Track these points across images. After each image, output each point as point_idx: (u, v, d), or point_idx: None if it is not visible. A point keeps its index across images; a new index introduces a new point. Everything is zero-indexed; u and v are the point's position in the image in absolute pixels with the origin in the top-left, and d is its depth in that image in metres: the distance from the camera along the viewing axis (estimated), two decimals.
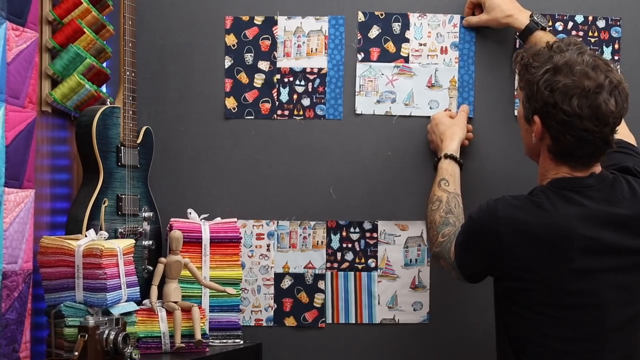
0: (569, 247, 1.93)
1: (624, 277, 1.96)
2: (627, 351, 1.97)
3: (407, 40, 2.51)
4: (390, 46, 2.51)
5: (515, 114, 2.43)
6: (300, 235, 2.51)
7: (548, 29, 2.36)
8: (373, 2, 2.51)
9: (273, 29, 2.52)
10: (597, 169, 2.01)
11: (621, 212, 1.98)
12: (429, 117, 2.49)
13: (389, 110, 2.50)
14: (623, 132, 2.17)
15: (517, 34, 2.39)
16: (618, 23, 2.49)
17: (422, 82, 2.50)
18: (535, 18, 2.36)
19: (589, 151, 1.97)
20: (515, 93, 2.38)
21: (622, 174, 2.05)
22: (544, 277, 1.94)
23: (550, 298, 1.94)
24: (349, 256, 2.50)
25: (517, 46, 2.48)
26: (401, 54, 2.51)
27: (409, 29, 2.51)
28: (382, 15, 2.50)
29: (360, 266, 2.50)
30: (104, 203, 2.20)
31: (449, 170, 2.31)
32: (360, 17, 2.51)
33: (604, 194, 1.98)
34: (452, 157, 2.33)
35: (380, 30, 2.51)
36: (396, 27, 2.51)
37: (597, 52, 2.01)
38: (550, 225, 1.94)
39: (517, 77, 2.07)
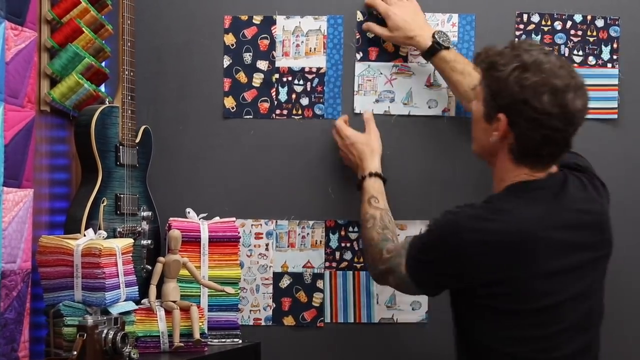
0: (533, 250, 1.95)
1: (583, 273, 1.99)
2: (583, 346, 1.99)
3: None
4: (389, 45, 2.51)
5: None
6: (299, 234, 2.51)
7: (452, 47, 2.37)
8: None
9: (272, 29, 2.52)
10: (553, 169, 2.03)
11: (579, 208, 2.01)
12: (428, 116, 2.49)
13: (388, 109, 2.50)
14: None
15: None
16: (617, 22, 2.49)
17: (421, 81, 2.50)
18: (437, 38, 2.35)
19: (551, 151, 1.98)
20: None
21: (570, 170, 2.08)
22: (512, 282, 1.96)
23: (519, 302, 1.96)
24: (348, 255, 2.50)
25: None
26: (400, 53, 2.51)
27: None
28: (379, 15, 2.50)
29: (359, 265, 2.50)
30: (102, 202, 2.20)
31: (376, 188, 2.32)
32: (359, 16, 2.51)
33: (561, 193, 2.01)
34: (376, 175, 2.34)
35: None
36: None
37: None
38: (512, 230, 1.95)
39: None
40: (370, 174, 2.34)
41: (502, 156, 2.01)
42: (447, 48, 2.35)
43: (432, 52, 2.36)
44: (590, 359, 2.02)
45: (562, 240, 1.96)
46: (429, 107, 2.49)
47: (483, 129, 2.03)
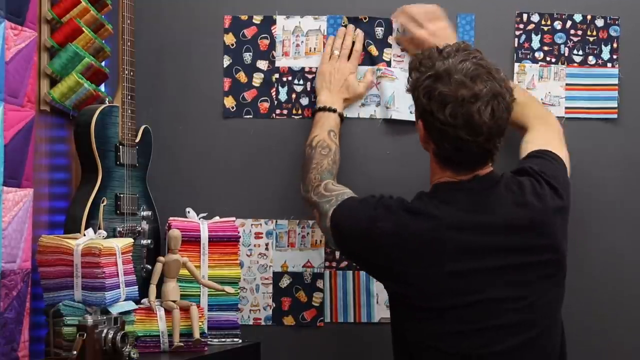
0: (440, 251, 1.96)
1: (508, 276, 1.97)
2: (523, 343, 1.98)
3: (389, 46, 2.50)
4: (373, 50, 2.50)
5: None
6: (299, 234, 2.51)
7: None
8: (370, 1, 2.50)
9: (272, 29, 2.52)
10: (483, 171, 2.03)
11: (507, 212, 2.00)
12: (409, 121, 2.45)
13: (374, 113, 2.49)
14: (555, 145, 2.20)
15: None
16: (616, 22, 2.49)
17: (404, 86, 2.47)
18: None
19: (468, 158, 2.00)
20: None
21: (517, 175, 2.07)
22: (418, 280, 1.98)
23: (430, 300, 1.98)
24: None
25: (516, 46, 2.48)
26: (383, 58, 2.50)
27: (391, 34, 2.50)
28: (365, 19, 2.49)
29: None
30: (102, 202, 2.20)
31: (339, 125, 2.39)
32: (344, 21, 2.50)
33: (485, 196, 2.01)
34: (340, 115, 2.40)
35: (362, 34, 2.49)
36: (379, 31, 2.50)
37: (484, 59, 1.99)
38: (421, 230, 1.98)
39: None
40: (335, 110, 2.39)
41: (431, 157, 2.06)
42: None
43: None
44: (541, 354, 2.00)
45: (475, 241, 1.97)
46: (411, 112, 2.47)
47: (418, 129, 2.07)
